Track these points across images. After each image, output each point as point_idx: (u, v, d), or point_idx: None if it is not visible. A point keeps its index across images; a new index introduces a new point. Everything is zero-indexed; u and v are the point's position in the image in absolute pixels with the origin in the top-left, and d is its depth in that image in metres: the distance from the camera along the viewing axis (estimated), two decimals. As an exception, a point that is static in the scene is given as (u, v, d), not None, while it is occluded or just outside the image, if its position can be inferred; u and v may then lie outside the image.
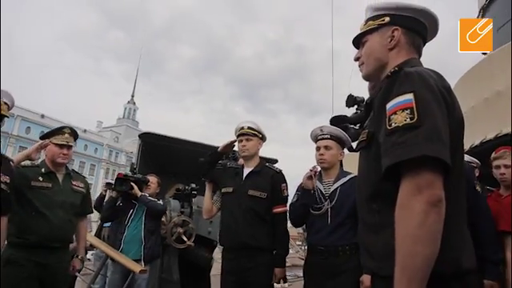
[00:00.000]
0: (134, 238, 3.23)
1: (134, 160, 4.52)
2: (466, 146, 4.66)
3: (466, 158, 2.34)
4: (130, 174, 3.44)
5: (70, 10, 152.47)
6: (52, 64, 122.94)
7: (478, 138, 4.53)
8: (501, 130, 4.14)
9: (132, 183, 3.26)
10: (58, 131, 2.56)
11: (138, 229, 3.28)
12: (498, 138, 4.18)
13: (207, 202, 2.78)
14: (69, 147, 2.54)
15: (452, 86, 1.04)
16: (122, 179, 3.27)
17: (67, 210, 2.46)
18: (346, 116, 2.56)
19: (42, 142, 2.51)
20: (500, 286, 2.14)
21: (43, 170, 2.46)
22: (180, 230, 3.58)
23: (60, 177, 2.53)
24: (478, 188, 2.26)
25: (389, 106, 0.94)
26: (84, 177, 2.87)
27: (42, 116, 39.66)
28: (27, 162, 2.51)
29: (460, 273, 0.91)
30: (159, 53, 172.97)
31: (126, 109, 63.51)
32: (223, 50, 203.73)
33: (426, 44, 1.22)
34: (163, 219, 3.71)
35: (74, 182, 2.60)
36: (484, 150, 4.29)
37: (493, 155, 2.45)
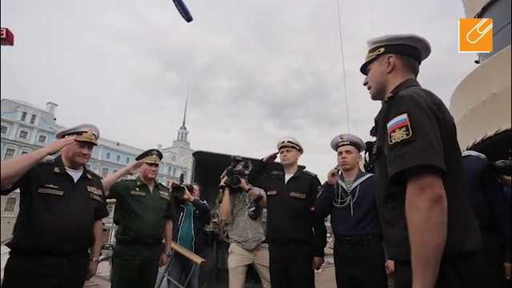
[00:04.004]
0: (187, 236, 3.26)
1: (189, 173, 4.64)
2: (469, 143, 4.40)
3: (474, 153, 2.19)
4: (177, 183, 3.44)
5: (136, 59, 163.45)
6: (123, 103, 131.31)
7: (479, 135, 4.27)
8: (500, 127, 3.89)
9: (186, 190, 3.30)
10: (148, 153, 2.68)
11: (189, 228, 3.32)
12: (497, 134, 3.93)
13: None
14: (156, 165, 2.67)
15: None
16: (177, 188, 3.29)
17: (157, 213, 2.56)
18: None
19: (137, 161, 2.64)
20: None
21: (138, 182, 2.60)
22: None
23: (151, 188, 2.64)
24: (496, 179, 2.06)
25: (389, 125, 0.96)
26: (168, 188, 2.93)
27: (118, 144, 42.07)
28: (127, 177, 2.71)
29: (465, 254, 0.88)
30: (203, 86, 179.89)
31: (179, 133, 65.81)
32: (254, 80, 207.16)
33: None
34: (216, 220, 3.77)
35: (161, 192, 2.69)
36: (486, 146, 4.05)
37: None
